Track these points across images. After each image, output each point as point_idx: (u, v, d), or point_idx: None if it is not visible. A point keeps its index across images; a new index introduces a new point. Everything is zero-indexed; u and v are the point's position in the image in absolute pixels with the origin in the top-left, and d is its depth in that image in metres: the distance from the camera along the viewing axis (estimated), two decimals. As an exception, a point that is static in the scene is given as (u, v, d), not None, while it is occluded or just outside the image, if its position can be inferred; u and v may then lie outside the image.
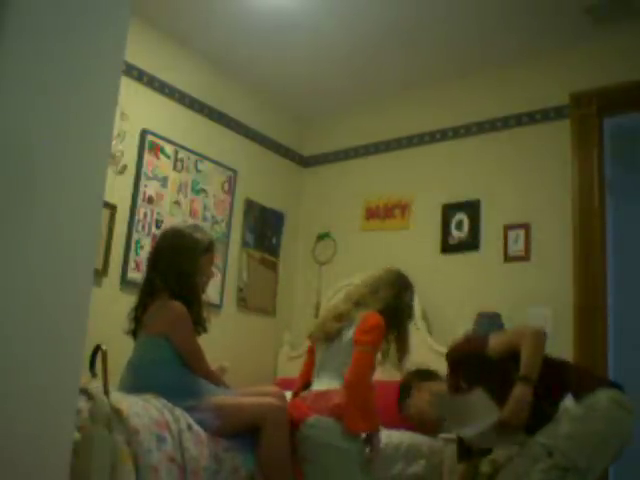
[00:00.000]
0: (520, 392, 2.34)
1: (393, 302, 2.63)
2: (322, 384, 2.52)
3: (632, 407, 2.35)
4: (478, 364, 2.53)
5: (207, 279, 2.66)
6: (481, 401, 2.43)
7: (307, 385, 2.64)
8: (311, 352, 2.74)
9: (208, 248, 2.62)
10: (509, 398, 2.35)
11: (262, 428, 2.34)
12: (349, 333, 2.53)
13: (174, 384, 2.38)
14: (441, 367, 2.86)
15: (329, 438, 2.36)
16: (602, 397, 2.33)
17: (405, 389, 3.08)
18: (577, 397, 2.35)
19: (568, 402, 2.35)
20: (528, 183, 3.75)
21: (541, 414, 2.35)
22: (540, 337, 2.43)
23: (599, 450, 2.29)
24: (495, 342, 2.51)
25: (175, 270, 2.51)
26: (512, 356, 2.43)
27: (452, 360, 2.65)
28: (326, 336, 2.61)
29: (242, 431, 2.35)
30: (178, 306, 2.45)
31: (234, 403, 2.42)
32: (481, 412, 2.41)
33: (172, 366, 2.43)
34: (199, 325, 2.54)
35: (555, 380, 2.43)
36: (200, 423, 2.26)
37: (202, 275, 2.60)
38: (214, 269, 2.87)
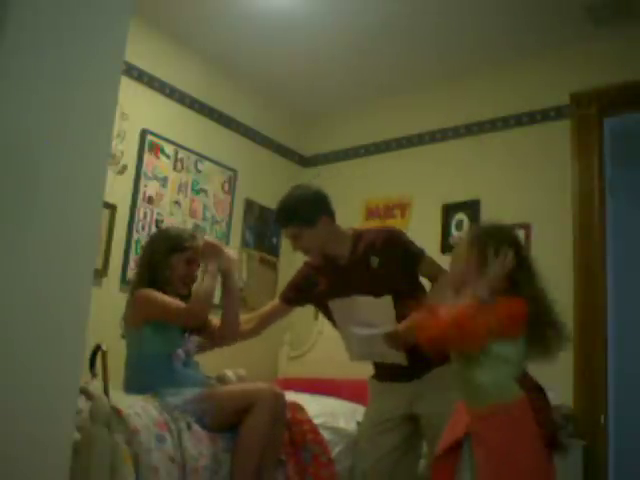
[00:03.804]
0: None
1: None
2: None
3: None
4: (404, 261, 2.44)
5: (182, 277, 2.61)
6: (385, 307, 2.31)
7: None
8: None
9: (179, 247, 2.60)
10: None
11: (249, 409, 2.30)
12: None
13: (161, 376, 2.39)
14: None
15: None
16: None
17: None
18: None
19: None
20: (528, 183, 3.74)
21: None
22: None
23: None
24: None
25: (145, 265, 2.61)
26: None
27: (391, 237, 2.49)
28: None
29: (238, 419, 2.31)
30: (143, 290, 2.50)
31: (224, 391, 2.44)
32: (381, 317, 2.27)
33: (156, 357, 2.44)
34: None
35: None
36: (198, 420, 2.26)
37: (174, 272, 2.58)
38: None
